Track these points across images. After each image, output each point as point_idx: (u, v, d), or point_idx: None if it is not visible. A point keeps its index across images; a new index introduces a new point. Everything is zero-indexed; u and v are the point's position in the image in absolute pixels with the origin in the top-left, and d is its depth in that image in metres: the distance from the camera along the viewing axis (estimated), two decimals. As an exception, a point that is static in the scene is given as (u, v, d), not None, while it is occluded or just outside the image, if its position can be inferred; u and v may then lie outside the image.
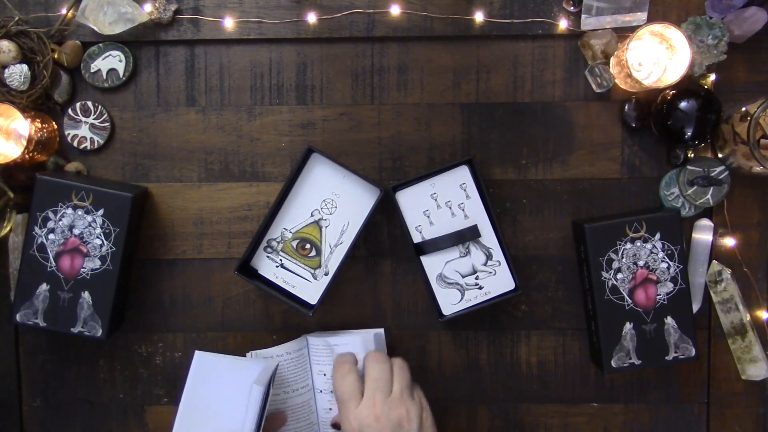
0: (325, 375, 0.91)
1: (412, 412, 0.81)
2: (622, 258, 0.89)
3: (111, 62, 0.93)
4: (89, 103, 0.93)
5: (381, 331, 0.90)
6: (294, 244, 0.92)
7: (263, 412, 0.82)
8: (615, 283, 0.89)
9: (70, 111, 0.93)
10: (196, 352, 0.84)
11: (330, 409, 0.91)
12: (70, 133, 0.93)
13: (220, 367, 0.85)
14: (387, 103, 0.94)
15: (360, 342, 0.89)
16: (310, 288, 0.92)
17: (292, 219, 0.92)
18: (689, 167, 0.91)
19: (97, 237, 0.87)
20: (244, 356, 0.90)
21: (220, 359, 0.85)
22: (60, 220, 0.87)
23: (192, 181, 0.95)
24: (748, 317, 0.93)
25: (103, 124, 0.93)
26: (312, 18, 0.92)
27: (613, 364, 0.89)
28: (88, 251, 0.87)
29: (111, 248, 0.87)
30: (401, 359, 0.87)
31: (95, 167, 0.94)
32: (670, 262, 0.89)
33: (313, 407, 0.92)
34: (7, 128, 0.91)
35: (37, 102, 0.92)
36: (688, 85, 0.89)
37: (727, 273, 0.92)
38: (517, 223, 0.95)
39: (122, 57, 0.92)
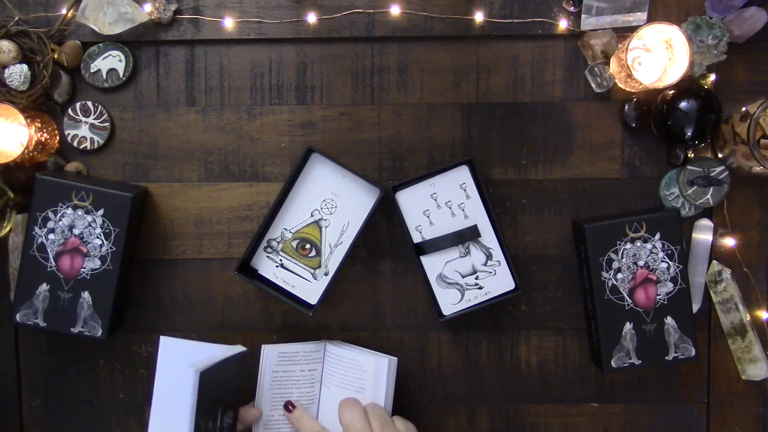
0: (329, 388, 0.90)
1: None
2: (622, 258, 0.89)
3: (111, 62, 0.93)
4: (89, 103, 0.93)
5: (395, 359, 0.89)
6: (294, 244, 0.92)
7: (206, 397, 0.81)
8: (615, 283, 0.89)
9: (70, 111, 0.93)
10: (161, 337, 0.84)
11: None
12: (70, 133, 0.93)
13: (185, 352, 0.84)
14: (387, 103, 0.94)
15: (373, 364, 0.88)
16: (310, 288, 0.92)
17: (292, 219, 0.92)
18: (689, 167, 0.91)
19: (97, 237, 0.87)
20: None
21: (184, 345, 0.84)
22: (60, 220, 0.87)
23: (192, 181, 0.95)
24: (748, 317, 0.93)
25: (103, 124, 0.93)
26: (312, 18, 0.92)
27: (613, 364, 0.89)
28: (88, 251, 0.87)
29: (111, 248, 0.87)
30: (373, 403, 0.87)
31: (95, 167, 0.94)
32: (670, 262, 0.89)
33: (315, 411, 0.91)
34: (7, 128, 0.91)
35: (37, 102, 0.92)
36: (688, 85, 0.89)
37: (727, 273, 0.92)
38: (517, 223, 0.95)
39: (122, 57, 0.92)
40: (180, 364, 0.83)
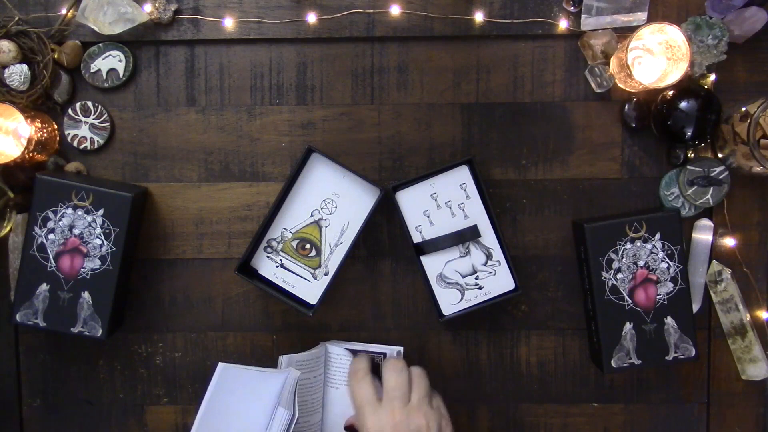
0: (338, 389, 0.91)
1: (432, 421, 0.80)
2: (622, 258, 0.89)
3: (111, 62, 0.93)
4: (89, 103, 0.93)
5: (401, 349, 0.89)
6: (294, 244, 0.92)
7: None
8: (615, 283, 0.89)
9: (70, 111, 0.93)
10: (220, 363, 0.82)
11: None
12: (70, 133, 0.93)
13: (243, 379, 0.83)
14: (387, 103, 0.94)
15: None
16: (310, 288, 0.92)
17: (292, 219, 0.92)
18: (689, 167, 0.91)
19: (97, 237, 0.87)
20: (255, 363, 0.89)
21: (243, 372, 0.83)
22: (60, 220, 0.87)
23: (192, 181, 0.95)
24: (748, 317, 0.93)
25: (103, 124, 0.93)
26: (312, 18, 0.92)
27: (613, 364, 0.89)
28: (88, 251, 0.87)
29: (111, 248, 0.87)
30: (420, 368, 0.86)
31: (95, 167, 0.94)
32: (670, 262, 0.89)
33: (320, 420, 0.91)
34: (7, 128, 0.91)
35: (37, 102, 0.92)
36: (688, 85, 0.89)
37: (727, 273, 0.92)
38: (517, 223, 0.95)
39: (122, 57, 0.92)
40: (239, 390, 0.82)
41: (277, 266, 0.92)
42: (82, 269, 0.87)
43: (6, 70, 0.90)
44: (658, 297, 0.89)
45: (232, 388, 0.83)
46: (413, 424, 0.80)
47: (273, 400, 0.83)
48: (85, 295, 0.87)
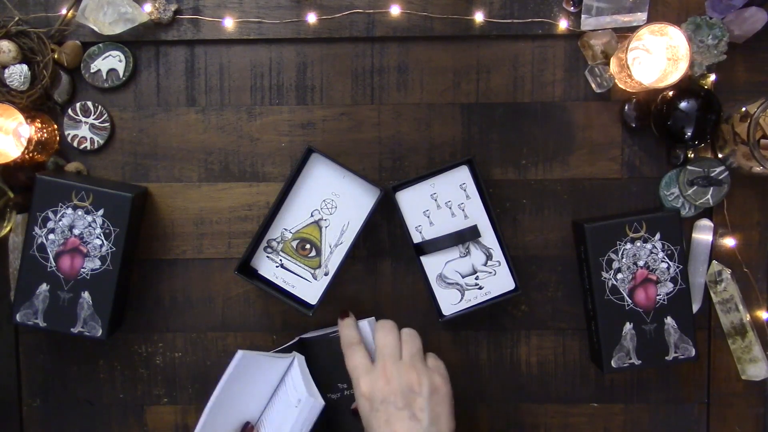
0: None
1: (423, 378, 0.80)
2: (622, 258, 0.89)
3: (111, 62, 0.93)
4: (89, 103, 0.93)
5: (372, 319, 0.89)
6: (294, 244, 0.92)
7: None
8: (615, 283, 0.89)
9: (70, 111, 0.93)
10: (239, 351, 0.83)
11: None
12: (70, 133, 0.93)
13: (256, 365, 0.86)
14: (387, 103, 0.94)
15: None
16: (310, 288, 0.92)
17: (292, 219, 0.92)
18: (689, 167, 0.91)
19: (97, 237, 0.87)
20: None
21: (259, 358, 0.85)
22: (60, 220, 0.87)
23: (192, 181, 0.95)
24: (748, 317, 0.93)
25: (103, 124, 0.93)
26: (312, 18, 0.92)
27: (613, 364, 0.89)
28: (88, 251, 0.87)
29: (111, 248, 0.87)
30: (411, 329, 0.86)
31: (95, 167, 0.94)
32: (670, 263, 0.89)
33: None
34: (7, 128, 0.91)
35: (37, 102, 0.92)
36: (688, 85, 0.89)
37: (727, 273, 0.92)
38: (517, 223, 0.95)
39: (122, 57, 0.92)
40: (250, 376, 0.85)
41: (277, 266, 0.92)
42: (82, 269, 0.87)
43: (6, 70, 0.90)
44: (658, 297, 0.89)
45: (246, 373, 0.85)
46: (404, 378, 0.80)
47: (274, 383, 0.87)
48: (85, 295, 0.87)
